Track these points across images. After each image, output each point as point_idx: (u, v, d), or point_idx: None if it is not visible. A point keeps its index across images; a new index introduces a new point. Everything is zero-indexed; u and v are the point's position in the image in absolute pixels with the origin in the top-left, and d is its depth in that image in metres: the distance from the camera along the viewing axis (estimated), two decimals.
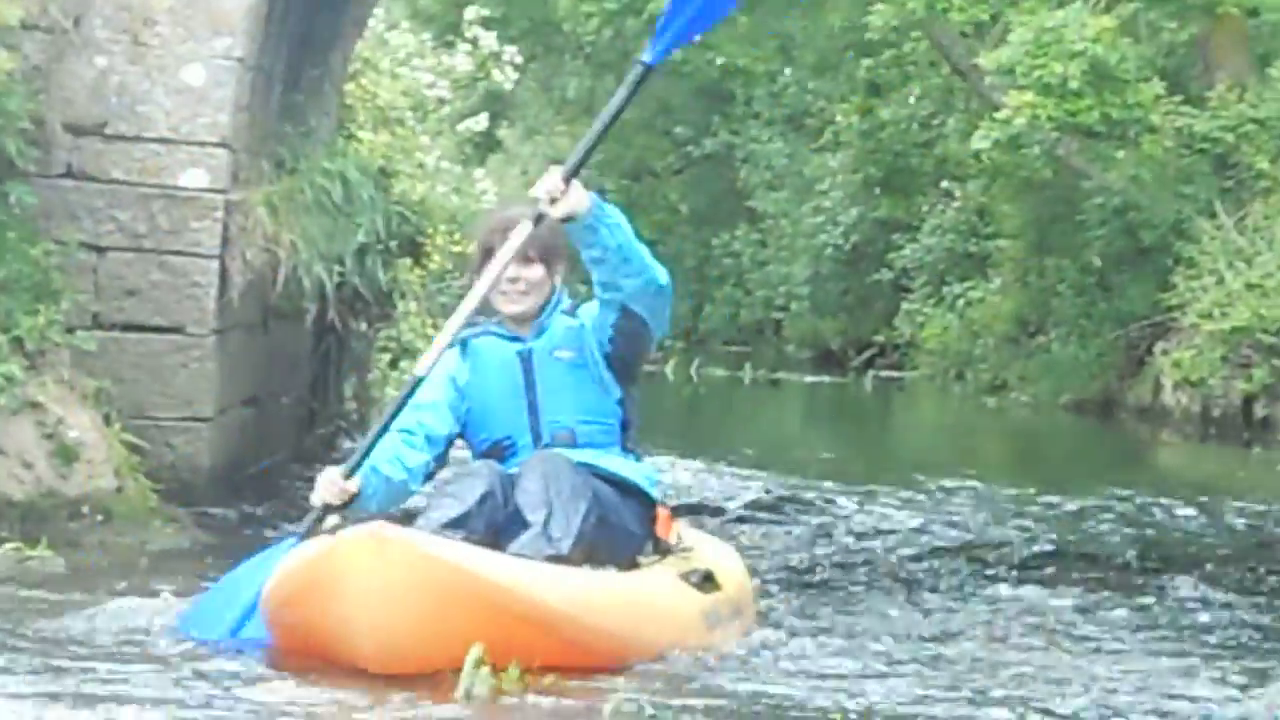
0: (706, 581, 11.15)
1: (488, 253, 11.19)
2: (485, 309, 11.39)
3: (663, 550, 11.32)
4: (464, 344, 11.29)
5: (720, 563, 11.80)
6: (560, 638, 9.95)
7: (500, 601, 9.66)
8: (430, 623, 9.44)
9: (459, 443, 11.58)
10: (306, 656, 10.15)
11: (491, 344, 11.33)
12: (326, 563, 9.64)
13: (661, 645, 10.61)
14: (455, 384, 11.31)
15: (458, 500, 10.54)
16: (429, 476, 11.35)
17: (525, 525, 10.37)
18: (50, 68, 16.92)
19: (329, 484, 10.85)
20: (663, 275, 11.12)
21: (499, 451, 11.12)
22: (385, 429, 11.00)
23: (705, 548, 11.97)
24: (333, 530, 9.74)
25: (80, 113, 17.08)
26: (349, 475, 10.86)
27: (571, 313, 11.38)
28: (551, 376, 11.10)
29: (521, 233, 10.88)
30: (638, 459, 11.31)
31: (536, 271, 11.24)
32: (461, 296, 27.97)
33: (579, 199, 10.65)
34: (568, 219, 10.74)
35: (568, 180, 10.68)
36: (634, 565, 10.97)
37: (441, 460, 11.36)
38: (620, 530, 10.80)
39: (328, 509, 10.88)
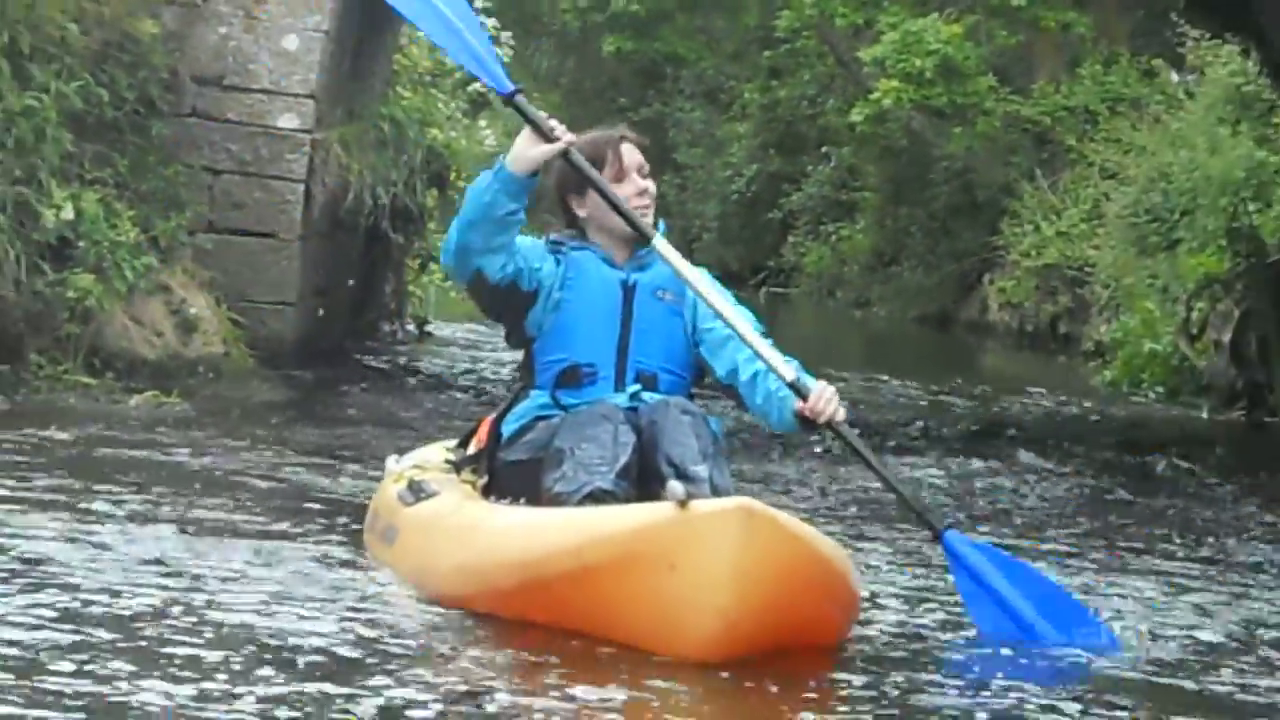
0: None
1: (596, 163, 8.17)
2: (580, 231, 8.49)
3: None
4: (559, 251, 8.38)
5: None
6: (843, 617, 7.71)
7: (834, 586, 7.42)
8: (781, 608, 7.02)
9: None
10: (558, 630, 7.46)
11: (592, 262, 8.36)
12: (678, 534, 6.97)
13: None
14: (540, 267, 8.28)
15: (607, 449, 7.82)
16: (505, 278, 8.11)
17: (689, 479, 7.54)
18: (183, 33, 17.01)
19: (562, 132, 8.00)
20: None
21: (577, 375, 8.27)
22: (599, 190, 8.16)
23: None
24: (685, 500, 6.98)
25: (205, 68, 17.17)
26: (573, 163, 8.08)
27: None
28: (648, 315, 8.26)
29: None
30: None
31: (654, 185, 8.45)
32: None
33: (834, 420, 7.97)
34: (814, 419, 8.00)
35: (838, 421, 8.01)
36: None
37: (506, 288, 8.16)
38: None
39: (536, 126, 7.95)
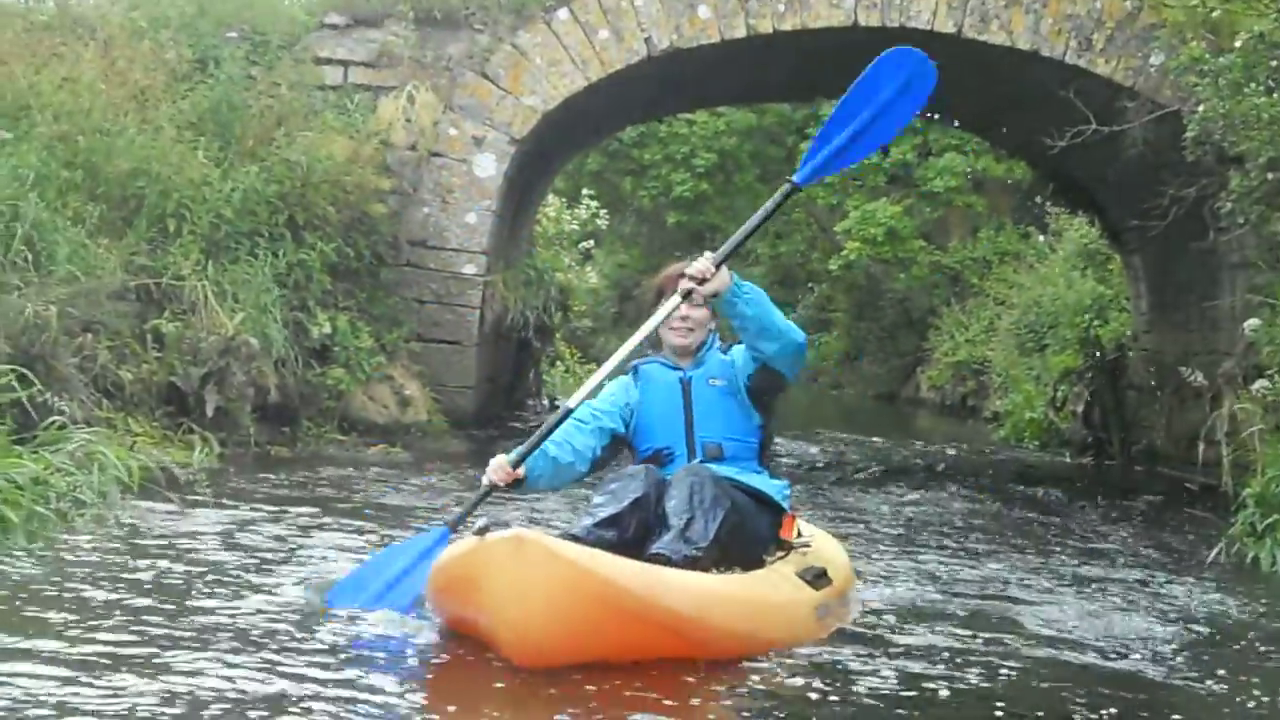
0: (820, 578, 7.43)
1: (659, 293, 7.75)
2: (654, 344, 7.85)
3: (785, 548, 7.57)
4: (636, 370, 7.75)
5: (830, 557, 7.91)
6: (681, 636, 6.38)
7: (624, 603, 6.14)
8: (563, 620, 6.00)
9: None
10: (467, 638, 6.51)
11: (659, 370, 7.69)
12: (473, 560, 6.15)
13: (777, 639, 6.97)
14: (625, 400, 7.65)
15: (615, 501, 7.04)
16: (595, 462, 7.59)
17: (668, 526, 6.95)
18: (401, 212, 16.92)
19: (498, 468, 7.22)
20: (798, 336, 7.43)
21: (659, 458, 7.51)
22: (548, 433, 7.29)
23: (819, 543, 7.98)
24: (482, 530, 6.24)
25: (415, 234, 17.10)
26: (516, 464, 7.20)
27: (725, 351, 7.68)
28: (705, 400, 7.53)
29: (673, 304, 7.36)
30: (771, 475, 7.67)
31: (702, 313, 7.63)
32: (581, 334, 27.62)
33: (722, 280, 7.14)
34: (713, 295, 7.22)
35: (716, 265, 7.16)
36: (760, 564, 7.33)
37: (608, 451, 7.64)
38: (752, 534, 7.32)
39: (494, 488, 7.23)
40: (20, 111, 14.43)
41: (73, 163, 14.23)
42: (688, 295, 7.27)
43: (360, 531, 9.81)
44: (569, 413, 7.35)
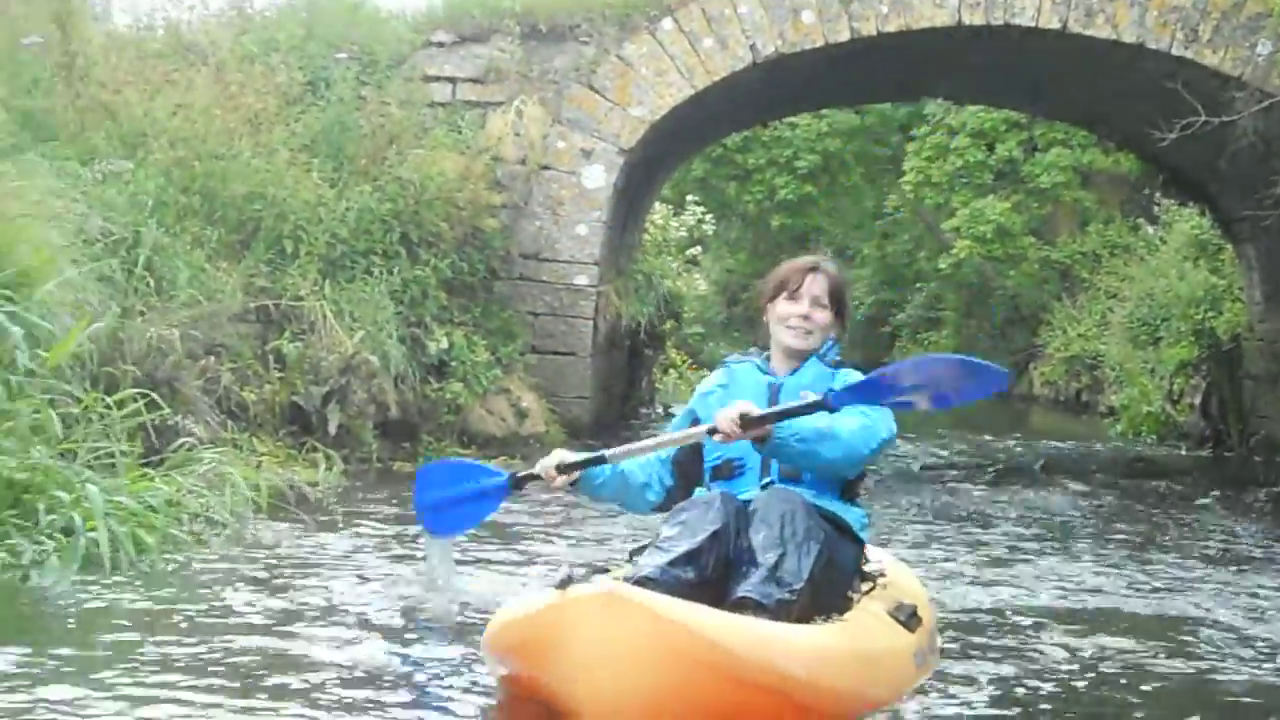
0: (912, 618, 6.37)
1: (780, 286, 6.57)
2: (762, 341, 6.77)
3: (867, 580, 6.44)
4: (727, 364, 6.79)
5: (911, 589, 6.84)
6: (794, 701, 5.47)
7: (736, 669, 5.25)
8: (662, 688, 5.12)
9: None
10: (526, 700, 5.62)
11: (750, 371, 6.63)
12: (557, 618, 5.27)
13: (884, 696, 6.05)
14: (698, 412, 6.66)
15: (690, 535, 5.95)
16: (670, 491, 6.60)
17: (756, 564, 5.90)
18: (513, 226, 17.04)
19: (549, 466, 6.48)
20: (862, 451, 6.24)
21: (729, 469, 6.43)
22: (598, 459, 6.50)
23: (893, 571, 6.82)
24: (565, 583, 5.32)
25: (527, 247, 17.19)
26: (565, 469, 6.45)
27: (832, 365, 6.58)
28: None
29: (698, 432, 6.37)
30: (852, 504, 6.44)
31: (825, 316, 6.54)
32: (690, 339, 27.58)
33: (753, 437, 6.17)
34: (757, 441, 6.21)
35: (744, 428, 6.09)
36: (846, 602, 6.24)
37: (677, 481, 6.63)
38: (841, 570, 6.24)
39: (532, 478, 6.57)
40: (137, 138, 14.66)
41: (190, 188, 14.45)
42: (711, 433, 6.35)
43: (489, 549, 9.89)
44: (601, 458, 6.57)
